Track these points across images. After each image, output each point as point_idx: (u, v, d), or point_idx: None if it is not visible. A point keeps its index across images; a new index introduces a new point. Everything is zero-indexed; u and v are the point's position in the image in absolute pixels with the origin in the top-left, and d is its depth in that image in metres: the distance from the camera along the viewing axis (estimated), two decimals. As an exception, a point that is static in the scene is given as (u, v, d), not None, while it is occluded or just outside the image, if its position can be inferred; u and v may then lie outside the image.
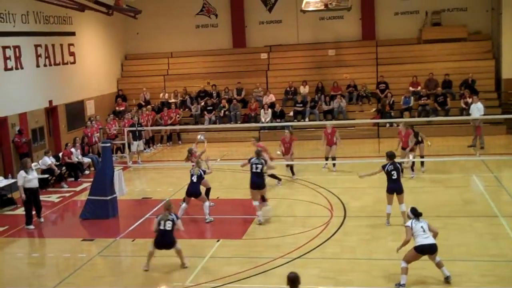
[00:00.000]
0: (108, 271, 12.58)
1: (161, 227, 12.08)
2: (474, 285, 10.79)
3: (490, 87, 26.82)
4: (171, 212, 12.26)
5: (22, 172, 15.63)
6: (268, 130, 26.53)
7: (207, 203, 15.28)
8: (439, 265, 10.95)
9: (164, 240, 12.12)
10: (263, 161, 15.10)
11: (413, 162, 18.37)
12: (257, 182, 14.95)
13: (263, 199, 15.18)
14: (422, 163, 18.93)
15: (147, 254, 12.27)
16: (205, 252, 13.02)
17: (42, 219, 16.11)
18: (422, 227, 10.88)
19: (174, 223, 12.13)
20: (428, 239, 10.79)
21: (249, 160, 15.21)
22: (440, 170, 18.81)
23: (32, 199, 15.67)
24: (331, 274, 11.58)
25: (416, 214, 11.07)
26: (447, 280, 10.88)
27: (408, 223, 11.10)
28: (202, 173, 15.22)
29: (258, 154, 15.20)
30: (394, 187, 14.01)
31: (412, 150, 18.41)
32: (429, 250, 10.80)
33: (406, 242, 11.01)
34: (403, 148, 18.68)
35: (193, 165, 15.95)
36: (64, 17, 24.95)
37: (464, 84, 26.30)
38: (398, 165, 14.13)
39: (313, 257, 12.52)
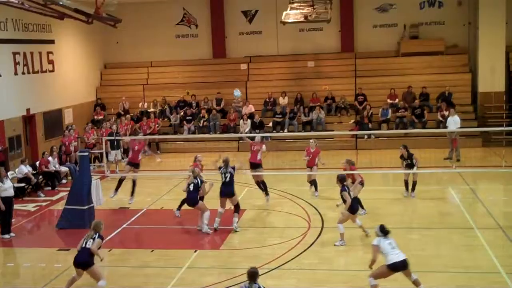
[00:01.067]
0: (85, 282, 12.44)
1: (83, 245, 11.34)
2: (449, 296, 10.90)
3: (467, 100, 27.19)
4: (97, 232, 11.43)
5: None
6: (247, 141, 26.55)
7: (206, 214, 14.96)
8: (416, 284, 10.76)
9: (79, 257, 11.36)
10: (231, 169, 15.15)
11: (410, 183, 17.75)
12: (225, 190, 15.08)
13: (236, 209, 15.17)
14: (413, 187, 17.72)
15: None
16: (182, 263, 12.98)
17: (8, 236, 15.47)
18: (390, 243, 10.69)
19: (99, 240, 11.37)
20: (399, 256, 10.59)
21: (219, 168, 15.26)
22: (418, 181, 18.98)
23: (7, 208, 15.45)
24: (307, 285, 11.62)
25: (384, 231, 10.84)
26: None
27: (375, 241, 10.84)
28: (200, 182, 14.97)
29: (226, 163, 15.22)
30: (356, 207, 14.24)
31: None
32: (402, 266, 10.60)
33: (373, 261, 10.79)
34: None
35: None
36: (43, 25, 24.83)
37: (441, 97, 26.61)
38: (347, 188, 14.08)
39: (290, 267, 12.55)
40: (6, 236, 15.43)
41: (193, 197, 14.93)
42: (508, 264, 12.21)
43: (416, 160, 17.36)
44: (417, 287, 10.74)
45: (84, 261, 11.26)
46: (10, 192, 15.55)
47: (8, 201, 15.42)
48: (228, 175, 15.08)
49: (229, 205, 15.38)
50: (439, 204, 16.98)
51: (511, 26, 26.62)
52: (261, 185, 17.54)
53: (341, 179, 14.13)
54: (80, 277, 11.50)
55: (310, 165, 18.23)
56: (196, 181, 14.92)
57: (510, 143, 24.87)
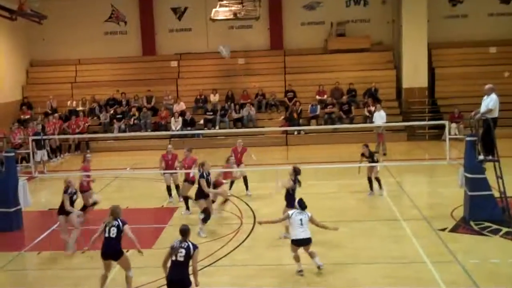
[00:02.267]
0: (12, 286, 12.19)
1: (106, 235, 10.77)
2: (377, 286, 11.23)
3: (392, 96, 28.06)
4: (117, 218, 10.92)
5: None
6: (178, 138, 26.51)
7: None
8: (312, 255, 11.68)
9: (108, 248, 10.84)
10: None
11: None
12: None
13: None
14: (379, 183, 17.86)
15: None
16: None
17: None
18: (301, 219, 11.49)
19: (120, 230, 10.79)
20: (304, 233, 11.48)
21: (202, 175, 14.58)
22: (345, 175, 19.42)
23: None
24: (241, 281, 11.74)
25: (302, 206, 11.70)
26: (319, 269, 11.69)
27: (290, 212, 11.73)
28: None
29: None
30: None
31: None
32: (304, 243, 11.51)
33: (272, 222, 12.09)
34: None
35: None
36: (-36, 22, 24.00)
37: (367, 93, 27.33)
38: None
39: (223, 264, 12.64)
40: None
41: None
42: (432, 253, 12.69)
43: (377, 158, 18.00)
44: (313, 259, 11.66)
45: (116, 251, 10.73)
46: None
47: None
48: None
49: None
50: (365, 197, 17.45)
51: (432, 23, 27.60)
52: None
53: (296, 171, 13.95)
54: (109, 271, 11.10)
55: (238, 162, 18.15)
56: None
57: (433, 137, 25.87)
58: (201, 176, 14.42)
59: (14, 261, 13.45)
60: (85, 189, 15.89)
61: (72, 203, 13.84)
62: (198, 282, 9.56)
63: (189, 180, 16.25)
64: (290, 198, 13.68)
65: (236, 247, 13.63)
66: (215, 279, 11.79)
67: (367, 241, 13.71)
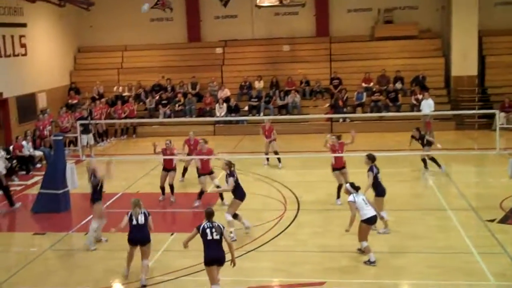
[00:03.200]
0: (60, 266, 12.46)
1: (134, 222, 11.29)
2: (423, 276, 11.09)
3: (440, 84, 27.48)
4: (141, 208, 11.44)
5: None
6: (223, 125, 26.61)
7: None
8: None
9: (139, 234, 11.27)
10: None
11: None
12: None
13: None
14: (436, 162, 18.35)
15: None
16: (159, 246, 12.99)
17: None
18: (363, 199, 11.61)
19: (146, 218, 11.36)
20: (371, 211, 11.57)
21: (232, 175, 13.97)
22: (391, 164, 19.19)
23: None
24: (283, 267, 11.73)
25: (355, 187, 11.72)
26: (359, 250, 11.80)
27: (350, 197, 11.64)
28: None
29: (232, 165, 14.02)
30: (384, 189, 13.48)
31: None
32: (375, 220, 11.62)
33: (353, 218, 11.56)
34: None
35: None
36: (15, 8, 24.44)
37: (415, 80, 26.85)
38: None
39: (267, 250, 12.66)
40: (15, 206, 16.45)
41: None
42: (480, 244, 12.46)
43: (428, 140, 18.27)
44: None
45: (144, 237, 11.28)
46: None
47: None
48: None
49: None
50: (413, 186, 17.23)
51: (483, 10, 26.86)
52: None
53: (370, 158, 13.62)
54: (132, 259, 11.51)
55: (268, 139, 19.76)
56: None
57: (482, 126, 25.27)
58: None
59: (62, 241, 13.76)
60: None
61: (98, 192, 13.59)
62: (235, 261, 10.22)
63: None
64: (377, 184, 13.43)
65: (280, 233, 13.61)
66: (258, 264, 11.82)
67: (414, 231, 13.52)
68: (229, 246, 10.09)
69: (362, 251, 11.74)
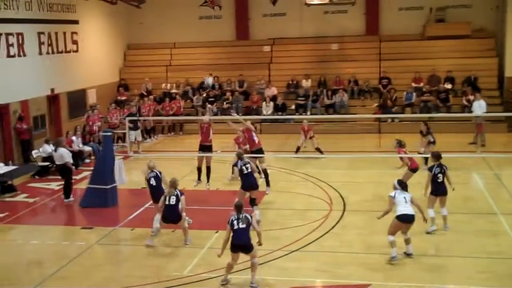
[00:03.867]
0: (107, 260, 12.63)
1: (167, 202, 12.61)
2: (472, 282, 10.81)
3: (493, 85, 26.79)
4: (176, 188, 12.75)
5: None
6: (269, 123, 26.57)
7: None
8: (407, 242, 11.70)
9: (171, 214, 12.68)
10: (248, 160, 14.38)
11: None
12: (251, 182, 14.28)
13: (253, 203, 14.33)
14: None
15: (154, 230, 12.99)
16: (204, 243, 13.06)
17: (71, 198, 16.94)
18: (404, 197, 11.59)
19: (178, 199, 12.66)
20: (408, 209, 11.49)
21: (236, 164, 14.61)
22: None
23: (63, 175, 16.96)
24: (328, 267, 11.61)
25: (402, 186, 11.78)
26: (407, 255, 11.72)
27: (392, 193, 11.74)
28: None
29: (240, 156, 14.48)
30: (441, 190, 13.51)
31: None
32: (409, 219, 11.49)
33: (387, 211, 11.76)
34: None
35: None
36: (68, 5, 24.94)
37: (466, 81, 26.27)
38: (445, 168, 13.59)
39: (311, 250, 12.55)
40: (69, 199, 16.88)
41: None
42: (532, 250, 12.09)
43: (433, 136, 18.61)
44: (407, 244, 11.77)
45: (176, 217, 12.74)
46: (63, 160, 16.82)
47: (63, 168, 16.82)
48: (248, 165, 14.28)
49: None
50: (462, 189, 16.74)
51: (540, 10, 26.08)
52: (207, 170, 17.02)
53: (435, 156, 13.75)
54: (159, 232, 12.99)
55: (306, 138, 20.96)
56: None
57: (535, 128, 24.53)
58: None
59: (109, 235, 13.94)
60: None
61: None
62: (262, 242, 11.10)
63: None
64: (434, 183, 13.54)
65: (325, 234, 13.49)
66: (303, 264, 11.73)
67: (462, 234, 13.21)
68: (258, 234, 11.01)
69: (407, 254, 11.59)
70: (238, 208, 11.00)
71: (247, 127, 16.43)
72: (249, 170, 14.27)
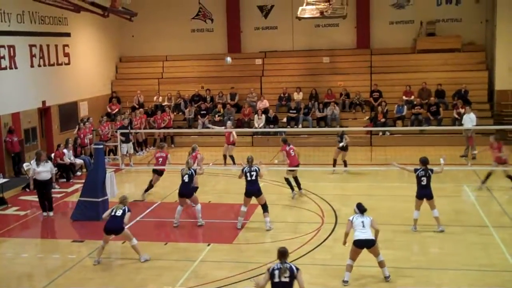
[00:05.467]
0: (98, 273, 12.54)
1: (112, 213, 12.81)
2: (463, 294, 10.84)
3: (483, 98, 26.96)
4: (125, 205, 12.91)
5: (33, 164, 16.62)
6: (261, 136, 26.60)
7: (199, 207, 15.23)
8: (381, 265, 11.45)
9: (113, 225, 12.74)
10: (256, 168, 14.92)
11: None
12: (251, 189, 14.75)
13: (264, 209, 14.86)
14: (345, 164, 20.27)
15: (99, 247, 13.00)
16: (196, 256, 13.02)
17: (51, 213, 16.65)
18: (362, 222, 11.41)
19: (124, 212, 12.79)
20: (365, 234, 11.30)
21: (243, 169, 14.97)
22: (432, 179, 18.87)
23: (41, 191, 16.48)
24: (320, 280, 11.59)
25: (360, 209, 11.61)
26: (386, 279, 11.39)
27: (351, 217, 11.63)
28: (193, 172, 15.22)
29: (250, 161, 15.01)
30: (424, 193, 14.14)
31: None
32: (365, 244, 11.29)
33: (345, 235, 11.59)
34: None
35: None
36: (60, 18, 24.96)
37: (457, 94, 26.43)
38: (430, 172, 14.17)
39: (303, 263, 12.48)
40: (50, 213, 16.70)
41: (187, 188, 15.13)
42: (523, 263, 12.13)
43: (346, 139, 19.73)
44: (381, 268, 11.45)
45: (117, 228, 12.72)
46: (44, 176, 16.40)
47: (43, 184, 16.40)
48: (254, 173, 14.68)
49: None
50: (454, 202, 16.86)
51: (529, 23, 26.32)
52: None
53: (422, 161, 14.35)
54: (107, 244, 12.94)
55: (228, 143, 21.93)
56: (191, 171, 15.16)
57: (526, 141, 24.64)
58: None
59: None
60: None
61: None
62: None
63: None
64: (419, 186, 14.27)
65: (317, 246, 13.48)
66: (295, 278, 11.66)
67: (454, 247, 13.24)
68: None
69: (385, 277, 11.36)
70: (281, 254, 9.17)
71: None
72: (253, 177, 14.69)
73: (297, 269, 9.03)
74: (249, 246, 13.73)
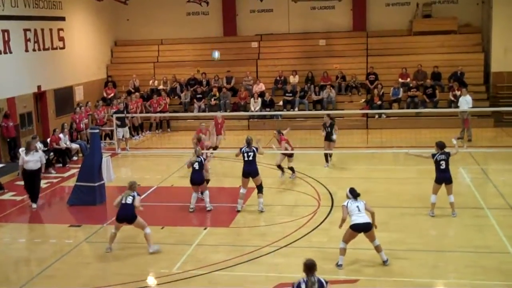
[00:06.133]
0: (95, 258, 12.58)
1: (122, 201, 12.44)
2: (458, 275, 10.90)
3: (479, 80, 26.97)
4: (134, 191, 12.59)
5: (22, 152, 16.10)
6: (257, 119, 26.58)
7: (207, 192, 15.23)
8: (377, 249, 11.42)
9: (124, 213, 12.43)
10: (254, 149, 15.01)
11: None
12: (249, 170, 14.88)
13: (259, 190, 15.03)
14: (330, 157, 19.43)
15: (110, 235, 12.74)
16: (192, 240, 13.06)
17: (34, 205, 16.02)
18: (357, 206, 11.39)
19: (134, 199, 12.47)
20: (362, 218, 11.29)
21: (241, 149, 15.14)
22: (428, 161, 18.91)
23: (28, 180, 15.95)
24: (316, 263, 11.61)
25: (354, 194, 11.55)
26: (384, 263, 11.37)
27: (345, 202, 11.58)
28: (202, 160, 15.17)
29: (249, 142, 15.14)
30: (443, 177, 13.98)
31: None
32: (363, 228, 11.28)
33: (343, 220, 11.55)
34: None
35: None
36: (54, 2, 24.80)
37: (453, 76, 26.41)
38: (448, 155, 14.01)
39: (300, 246, 12.59)
40: (33, 205, 15.98)
41: (199, 175, 15.02)
42: (518, 244, 12.20)
43: (336, 130, 18.89)
44: (378, 252, 11.41)
45: (129, 216, 12.40)
46: (32, 166, 15.84)
47: (30, 174, 15.83)
48: (251, 154, 14.87)
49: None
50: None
51: (526, 4, 26.25)
52: None
53: (439, 145, 14.14)
54: (118, 231, 12.62)
55: (218, 133, 20.73)
56: (200, 159, 15.04)
57: (522, 123, 24.72)
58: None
59: (98, 233, 13.90)
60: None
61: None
62: None
63: None
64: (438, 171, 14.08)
65: (313, 229, 13.54)
66: (292, 260, 11.75)
67: (449, 229, 13.34)
68: None
69: (383, 261, 11.38)
70: (308, 268, 8.18)
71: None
72: (251, 158, 14.82)
73: (326, 282, 8.17)
74: (245, 230, 13.79)
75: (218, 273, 11.24)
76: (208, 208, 15.13)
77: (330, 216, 14.47)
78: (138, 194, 12.66)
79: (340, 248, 11.41)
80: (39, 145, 18.38)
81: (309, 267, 8.15)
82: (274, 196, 16.27)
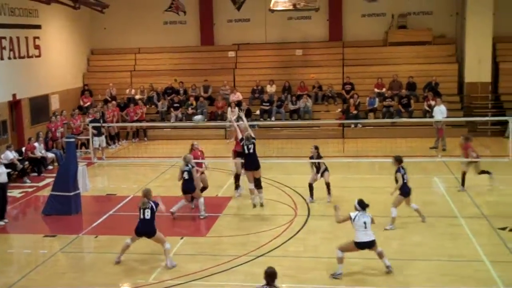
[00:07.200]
0: (70, 268, 12.49)
1: (141, 216, 12.10)
2: (433, 284, 11.02)
3: (453, 90, 27.34)
4: (150, 200, 12.21)
5: None
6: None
7: (202, 200, 15.18)
8: (380, 256, 11.42)
9: (144, 228, 12.14)
10: (254, 141, 15.19)
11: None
12: (253, 162, 15.11)
13: (258, 185, 15.22)
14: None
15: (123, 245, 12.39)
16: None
17: (2, 222, 15.35)
18: (365, 222, 11.22)
19: (153, 211, 12.13)
20: (367, 236, 11.22)
21: (241, 140, 15.37)
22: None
23: None
24: (292, 272, 11.68)
25: (362, 206, 11.39)
26: (388, 269, 11.38)
27: (353, 214, 11.35)
28: (191, 168, 15.03)
29: (248, 138, 15.21)
30: (408, 189, 14.20)
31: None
32: (367, 246, 11.28)
33: (338, 222, 11.72)
34: None
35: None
36: (30, 10, 24.64)
37: (427, 86, 26.73)
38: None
39: (276, 255, 12.62)
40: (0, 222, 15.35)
41: (190, 185, 15.00)
42: (491, 252, 12.36)
43: (326, 166, 16.56)
44: (381, 259, 11.41)
45: (149, 231, 12.10)
46: (2, 178, 15.35)
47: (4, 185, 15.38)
48: (251, 146, 15.07)
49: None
50: (424, 193, 17.06)
51: (498, 16, 26.69)
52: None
53: (397, 160, 14.30)
54: (133, 242, 12.37)
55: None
56: (188, 168, 14.98)
57: (495, 133, 25.11)
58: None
59: (73, 243, 13.80)
60: None
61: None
62: None
63: None
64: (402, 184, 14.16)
65: (290, 239, 13.58)
66: (268, 270, 11.75)
67: (423, 238, 13.45)
68: None
69: (387, 266, 11.42)
70: (270, 275, 8.54)
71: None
72: (251, 150, 15.01)
73: None
74: (222, 239, 13.78)
75: (195, 283, 11.22)
76: (202, 216, 15.09)
77: (306, 225, 14.53)
78: (157, 204, 12.34)
79: (337, 257, 11.34)
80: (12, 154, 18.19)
81: (270, 275, 8.46)
82: (251, 206, 16.24)
